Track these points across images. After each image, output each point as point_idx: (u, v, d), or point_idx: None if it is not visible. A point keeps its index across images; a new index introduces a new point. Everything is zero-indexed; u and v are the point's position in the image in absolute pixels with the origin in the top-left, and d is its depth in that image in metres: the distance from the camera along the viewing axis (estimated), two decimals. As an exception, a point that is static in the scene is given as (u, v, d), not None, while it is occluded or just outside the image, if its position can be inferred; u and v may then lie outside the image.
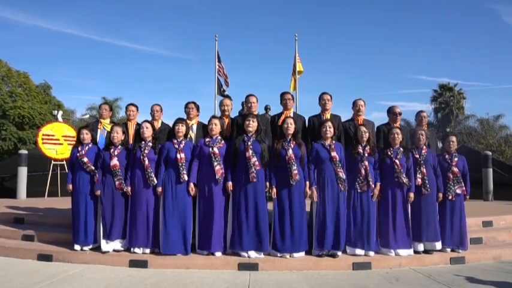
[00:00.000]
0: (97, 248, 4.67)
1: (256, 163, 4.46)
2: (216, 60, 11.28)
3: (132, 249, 4.58)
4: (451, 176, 4.85)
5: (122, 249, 4.66)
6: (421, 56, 53.15)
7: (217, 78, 11.22)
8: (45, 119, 19.13)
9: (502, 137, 23.86)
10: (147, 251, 4.58)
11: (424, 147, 4.90)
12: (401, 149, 4.72)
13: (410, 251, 4.63)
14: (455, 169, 4.87)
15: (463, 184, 4.87)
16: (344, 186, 4.52)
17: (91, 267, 4.39)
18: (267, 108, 9.76)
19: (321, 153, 4.59)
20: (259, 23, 61.79)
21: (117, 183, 4.62)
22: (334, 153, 4.54)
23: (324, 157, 4.56)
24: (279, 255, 4.47)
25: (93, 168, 4.71)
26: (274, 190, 4.51)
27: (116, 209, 4.64)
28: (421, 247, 4.72)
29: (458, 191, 4.84)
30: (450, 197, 4.82)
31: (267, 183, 4.55)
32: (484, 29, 49.36)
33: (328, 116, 5.16)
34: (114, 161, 4.63)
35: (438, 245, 4.75)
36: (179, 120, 4.73)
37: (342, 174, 4.52)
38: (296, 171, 4.42)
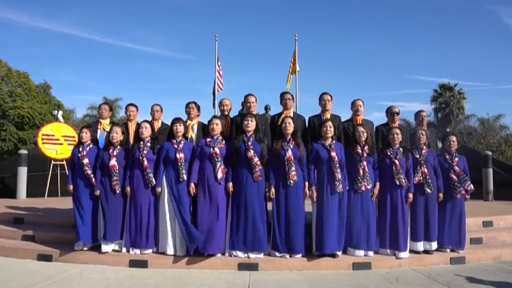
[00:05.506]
0: (97, 248, 4.65)
1: (258, 163, 4.46)
2: (216, 61, 11.29)
3: (131, 250, 4.58)
4: (454, 177, 4.83)
5: (122, 249, 4.64)
6: (421, 56, 53.23)
7: (216, 79, 11.25)
8: (45, 119, 19.10)
9: (502, 137, 23.88)
10: (146, 251, 4.57)
11: (424, 147, 4.89)
12: (401, 149, 4.71)
13: (408, 252, 4.62)
14: (457, 168, 4.86)
15: (469, 182, 4.85)
16: (344, 186, 4.51)
17: (91, 267, 4.39)
18: (267, 108, 9.74)
19: (321, 153, 4.57)
20: (259, 23, 61.87)
21: (113, 183, 4.60)
22: (334, 153, 4.52)
23: (324, 157, 4.55)
24: (278, 255, 4.47)
25: (89, 172, 4.68)
26: (273, 190, 4.50)
27: (116, 209, 4.63)
28: (420, 247, 4.71)
29: (469, 188, 4.83)
30: (459, 196, 4.80)
31: (267, 183, 4.54)
32: (484, 30, 49.53)
33: (328, 116, 5.16)
34: (113, 162, 4.62)
35: (435, 245, 4.74)
36: (177, 120, 4.72)
37: (342, 175, 4.50)
38: (294, 172, 4.40)
